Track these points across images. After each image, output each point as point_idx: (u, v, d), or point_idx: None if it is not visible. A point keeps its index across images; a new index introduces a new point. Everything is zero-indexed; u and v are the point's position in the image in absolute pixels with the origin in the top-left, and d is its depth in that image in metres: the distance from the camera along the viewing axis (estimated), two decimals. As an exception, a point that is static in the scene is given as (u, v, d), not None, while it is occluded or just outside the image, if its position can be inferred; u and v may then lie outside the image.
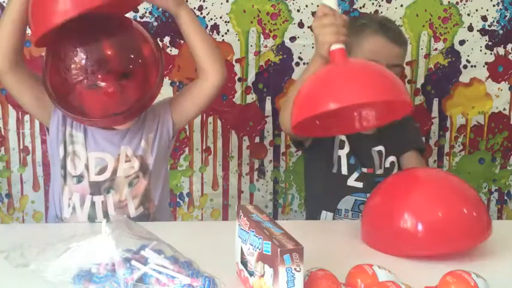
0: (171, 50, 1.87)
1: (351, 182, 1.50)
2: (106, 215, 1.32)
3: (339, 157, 1.50)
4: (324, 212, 1.52)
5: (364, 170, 1.50)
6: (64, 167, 1.32)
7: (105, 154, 1.32)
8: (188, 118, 1.47)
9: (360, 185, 1.49)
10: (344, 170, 1.50)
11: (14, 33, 1.22)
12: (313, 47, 1.91)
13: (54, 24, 1.13)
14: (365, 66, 1.10)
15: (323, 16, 1.12)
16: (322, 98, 1.02)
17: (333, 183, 1.52)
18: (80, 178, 1.32)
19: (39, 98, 1.30)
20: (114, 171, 1.33)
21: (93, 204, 1.32)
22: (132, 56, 1.25)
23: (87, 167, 1.32)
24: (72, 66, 1.20)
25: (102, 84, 1.20)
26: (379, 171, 1.51)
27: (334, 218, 1.50)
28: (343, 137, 1.50)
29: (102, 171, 1.32)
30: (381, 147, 1.52)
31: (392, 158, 1.52)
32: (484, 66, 2.02)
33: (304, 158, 1.68)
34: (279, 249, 0.78)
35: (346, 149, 1.50)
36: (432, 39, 1.98)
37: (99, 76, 1.20)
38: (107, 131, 1.33)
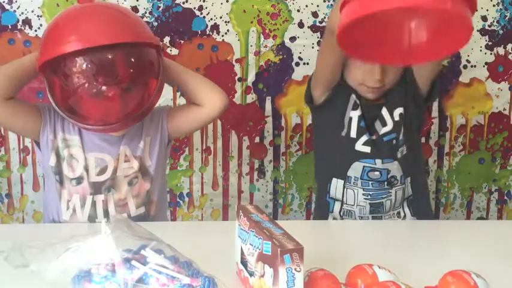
0: (171, 50, 1.87)
1: (359, 146, 1.45)
2: (106, 213, 1.32)
3: (350, 119, 1.46)
4: (334, 180, 1.49)
5: (373, 137, 1.45)
6: (59, 172, 1.32)
7: (104, 154, 1.33)
8: (182, 134, 1.48)
9: (367, 149, 1.45)
10: (353, 133, 1.46)
11: (13, 85, 1.25)
12: (313, 47, 1.93)
13: (60, 53, 1.17)
14: None
15: None
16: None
17: (341, 147, 1.48)
18: (79, 180, 1.32)
19: (28, 122, 1.31)
20: (115, 171, 1.33)
21: (94, 203, 1.32)
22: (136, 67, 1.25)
23: (86, 168, 1.32)
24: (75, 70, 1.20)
25: (104, 91, 1.20)
26: (383, 130, 1.45)
27: (344, 186, 1.47)
28: (357, 100, 1.44)
29: (102, 171, 1.32)
30: (383, 109, 1.45)
31: (399, 110, 1.45)
32: (484, 66, 2.02)
33: (314, 120, 1.64)
34: (279, 249, 0.78)
35: (359, 111, 1.45)
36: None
37: (102, 84, 1.20)
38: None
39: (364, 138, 1.45)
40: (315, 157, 1.63)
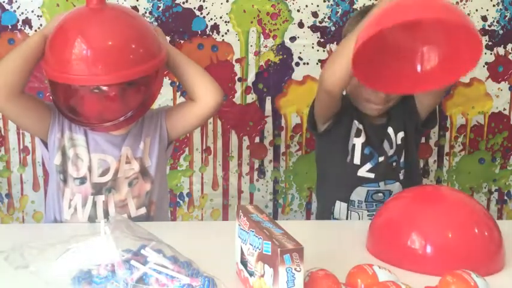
0: (171, 50, 1.87)
1: (362, 172, 1.46)
2: (107, 214, 1.32)
3: (354, 146, 1.46)
4: (338, 203, 1.48)
5: (381, 158, 1.45)
6: (63, 171, 1.32)
7: (107, 156, 1.32)
8: (181, 133, 1.47)
9: (371, 175, 1.45)
10: (357, 160, 1.46)
11: (23, 70, 1.23)
12: (313, 47, 1.93)
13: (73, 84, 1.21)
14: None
15: None
16: (389, 13, 1.01)
17: (345, 172, 1.48)
18: (82, 180, 1.32)
19: (39, 118, 1.31)
20: (116, 172, 1.32)
21: (94, 204, 1.32)
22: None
23: (89, 168, 1.32)
24: None
25: (105, 89, 1.21)
26: (391, 152, 1.46)
27: (348, 209, 1.47)
28: (360, 126, 1.45)
29: (104, 172, 1.32)
30: (389, 129, 1.47)
31: (401, 134, 1.47)
32: (484, 66, 2.01)
33: (317, 145, 1.64)
34: (279, 249, 0.78)
35: (362, 138, 1.45)
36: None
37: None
38: (107, 133, 1.33)
39: (368, 165, 1.46)
40: (318, 179, 1.62)
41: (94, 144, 1.32)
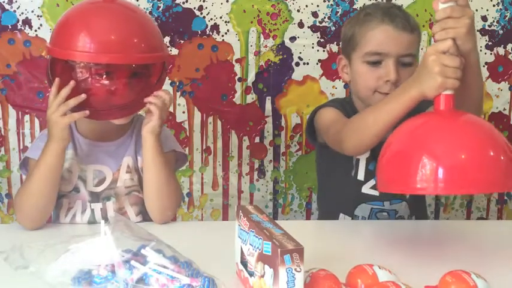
0: (171, 50, 1.87)
1: (366, 189, 1.41)
2: (106, 221, 1.31)
3: (358, 160, 1.40)
4: (342, 215, 1.44)
5: None
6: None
7: (103, 167, 1.31)
8: None
9: (375, 192, 1.40)
10: (361, 176, 1.41)
11: (52, 189, 1.24)
12: (313, 47, 1.93)
13: (72, 59, 1.21)
14: (476, 129, 1.01)
15: (450, 54, 1.03)
16: (418, 175, 0.95)
17: (348, 187, 1.43)
18: (76, 189, 1.31)
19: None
20: (114, 182, 1.31)
21: (92, 211, 1.31)
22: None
23: (81, 178, 1.31)
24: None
25: (108, 77, 1.22)
26: None
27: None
28: None
29: (100, 182, 1.31)
30: None
31: None
32: (484, 66, 2.01)
33: (318, 154, 1.56)
34: (279, 250, 0.78)
35: (367, 153, 1.37)
36: (432, 39, 1.98)
37: (107, 71, 1.22)
38: (103, 143, 1.32)
39: (373, 182, 1.40)
40: (319, 189, 1.58)
41: (86, 156, 1.31)
